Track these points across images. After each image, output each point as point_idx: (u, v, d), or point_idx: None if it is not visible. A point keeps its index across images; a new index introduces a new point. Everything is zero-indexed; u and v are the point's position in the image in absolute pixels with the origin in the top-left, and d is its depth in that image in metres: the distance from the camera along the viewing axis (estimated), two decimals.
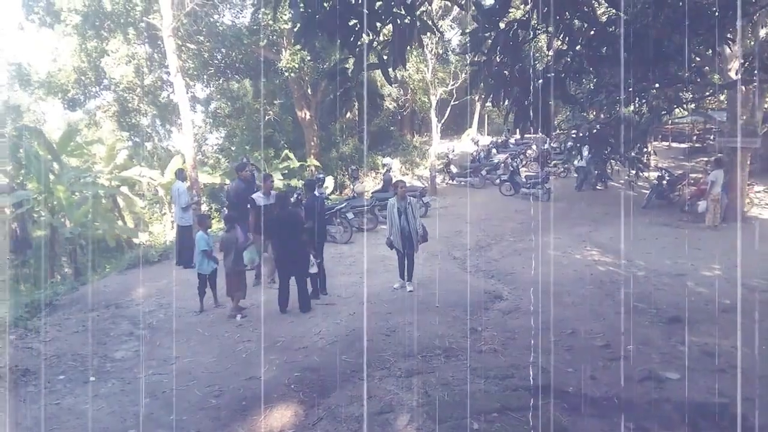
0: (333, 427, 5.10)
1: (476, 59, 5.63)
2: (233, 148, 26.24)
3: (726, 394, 5.55)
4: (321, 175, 16.94)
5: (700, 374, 6.06)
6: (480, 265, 11.60)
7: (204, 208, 18.71)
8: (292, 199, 10.82)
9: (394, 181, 11.41)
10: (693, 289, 9.38)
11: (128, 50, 22.28)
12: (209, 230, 9.01)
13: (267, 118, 25.94)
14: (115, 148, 22.74)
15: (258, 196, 9.52)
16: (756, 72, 10.40)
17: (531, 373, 6.14)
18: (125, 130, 26.55)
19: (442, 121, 24.35)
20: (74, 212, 17.15)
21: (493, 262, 11.79)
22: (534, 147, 26.17)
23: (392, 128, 30.71)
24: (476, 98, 28.05)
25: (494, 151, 25.60)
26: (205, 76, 24.62)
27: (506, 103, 5.53)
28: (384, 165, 22.78)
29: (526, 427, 4.99)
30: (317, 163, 22.16)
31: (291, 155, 21.21)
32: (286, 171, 20.61)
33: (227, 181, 21.17)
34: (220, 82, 25.63)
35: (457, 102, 26.21)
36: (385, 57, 4.91)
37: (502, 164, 21.73)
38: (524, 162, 24.99)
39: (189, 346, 7.35)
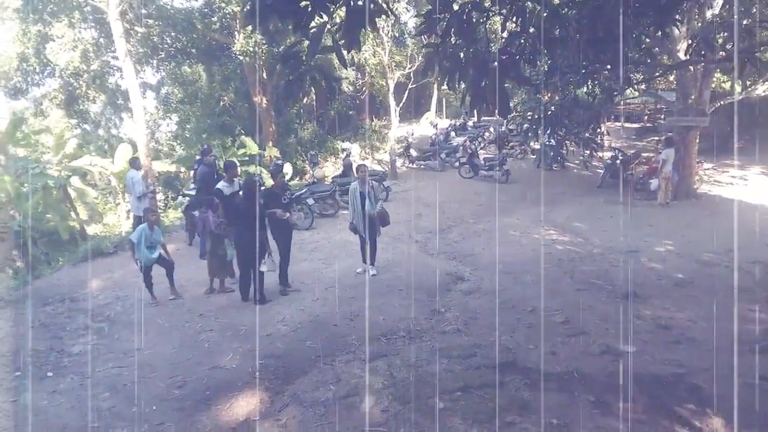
0: (299, 413, 5.10)
1: (431, 41, 5.63)
2: (188, 135, 25.64)
3: (681, 365, 5.78)
4: (279, 162, 16.75)
5: (655, 347, 6.28)
6: (441, 248, 11.70)
7: (160, 196, 18.26)
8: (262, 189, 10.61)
9: (356, 165, 11.30)
10: (647, 265, 9.69)
11: (74, 35, 21.43)
12: (154, 224, 8.69)
13: (222, 103, 25.41)
14: (64, 137, 21.88)
15: (223, 185, 9.37)
16: (703, 52, 10.75)
17: (493, 351, 6.26)
18: (73, 117, 25.64)
19: (401, 104, 24.31)
20: (23, 204, 16.51)
21: (454, 244, 11.91)
22: (492, 129, 26.43)
23: (351, 113, 30.53)
24: (433, 81, 28.08)
25: (453, 134, 25.76)
26: (155, 61, 23.92)
27: (462, 85, 5.54)
28: (343, 150, 22.65)
29: (490, 404, 5.09)
30: (276, 150, 21.86)
31: (248, 141, 20.83)
32: (246, 158, 20.25)
33: (183, 169, 20.72)
34: (172, 66, 24.96)
35: (415, 85, 26.19)
36: (340, 40, 4.85)
37: (461, 147, 21.87)
38: (482, 144, 25.22)
39: (149, 337, 7.21)
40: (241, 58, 20.86)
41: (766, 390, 4.95)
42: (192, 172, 13.60)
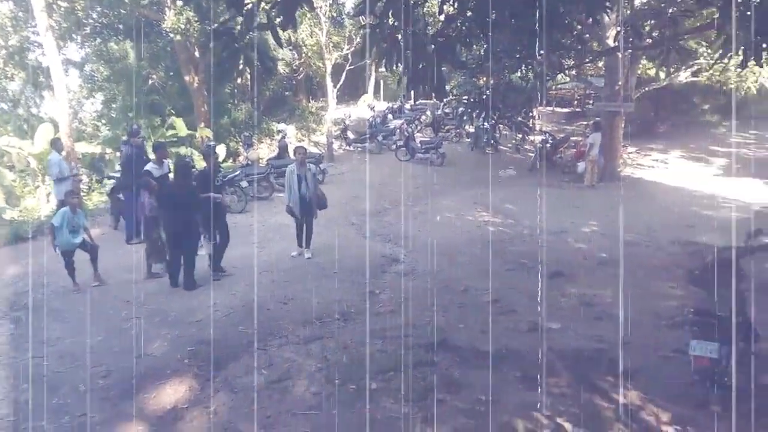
0: (230, 399, 5.03)
1: (369, 22, 5.58)
2: (113, 115, 24.51)
3: (602, 340, 6.06)
4: (212, 143, 16.24)
5: (579, 323, 6.55)
6: (377, 230, 11.75)
7: (84, 179, 17.40)
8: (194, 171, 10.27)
9: (294, 147, 11.10)
10: (573, 245, 10.07)
11: None
12: (77, 207, 8.28)
13: (151, 82, 24.38)
14: None
15: (152, 167, 9.06)
16: (630, 40, 11.14)
17: (426, 331, 6.36)
18: None
19: (338, 86, 24.08)
20: None
21: (390, 226, 11.98)
22: (428, 112, 26.59)
23: (287, 93, 29.94)
24: (371, 63, 27.94)
25: (390, 116, 25.73)
26: (79, 37, 22.68)
27: (399, 67, 5.54)
28: (279, 131, 22.23)
29: (422, 382, 5.18)
30: (208, 131, 21.21)
31: (178, 122, 20.07)
32: (175, 139, 19.53)
33: (108, 151, 19.83)
34: (97, 43, 23.73)
35: (352, 67, 25.95)
36: (276, 18, 4.73)
37: (398, 130, 21.91)
38: (419, 127, 25.35)
39: (71, 326, 6.89)
40: (172, 35, 20.02)
41: (679, 362, 5.25)
42: (118, 154, 13.05)
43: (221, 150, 18.70)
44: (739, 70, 16.49)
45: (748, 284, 5.78)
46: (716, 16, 7.98)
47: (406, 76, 5.41)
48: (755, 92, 22.35)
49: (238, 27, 4.72)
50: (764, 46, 4.33)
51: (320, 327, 6.61)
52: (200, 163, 15.94)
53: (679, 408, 4.67)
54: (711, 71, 16.99)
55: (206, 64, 21.95)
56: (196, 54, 22.05)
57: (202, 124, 21.52)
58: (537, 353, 5.75)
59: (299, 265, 9.07)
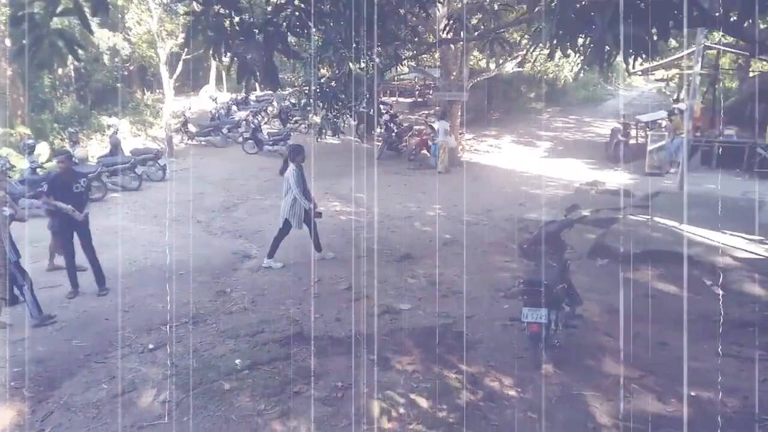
0: (66, 419, 4.59)
1: (193, 9, 5.33)
2: None
3: (449, 316, 6.42)
4: (31, 141, 14.57)
5: (427, 302, 6.89)
6: (226, 226, 11.34)
7: None
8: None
9: (292, 146, 9.77)
10: (419, 229, 10.54)
11: None
12: None
13: None
14: None
15: None
16: (462, 32, 11.82)
17: (281, 325, 6.30)
18: None
19: (175, 76, 22.79)
20: None
21: (240, 222, 11.64)
22: (275, 103, 26.16)
23: (119, 85, 27.74)
24: (202, 52, 26.78)
25: (235, 108, 24.93)
26: None
27: (227, 56, 5.35)
28: (110, 126, 20.54)
29: (278, 377, 5.13)
30: (25, 128, 18.99)
31: None
32: None
33: None
34: None
35: (189, 56, 24.69)
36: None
37: (244, 122, 21.32)
38: (266, 119, 24.88)
39: None
40: None
41: (515, 329, 5.72)
42: None
43: (43, 148, 16.78)
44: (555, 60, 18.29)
45: (570, 253, 6.47)
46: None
47: (235, 65, 5.25)
48: (572, 81, 24.94)
49: (41, 12, 4.26)
50: (567, 38, 4.78)
51: (167, 332, 6.25)
52: (19, 163, 14.31)
53: (518, 371, 5.09)
54: (533, 62, 18.59)
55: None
56: (7, 42, 19.62)
57: (19, 120, 19.26)
58: (390, 334, 5.97)
59: (141, 269, 8.52)
